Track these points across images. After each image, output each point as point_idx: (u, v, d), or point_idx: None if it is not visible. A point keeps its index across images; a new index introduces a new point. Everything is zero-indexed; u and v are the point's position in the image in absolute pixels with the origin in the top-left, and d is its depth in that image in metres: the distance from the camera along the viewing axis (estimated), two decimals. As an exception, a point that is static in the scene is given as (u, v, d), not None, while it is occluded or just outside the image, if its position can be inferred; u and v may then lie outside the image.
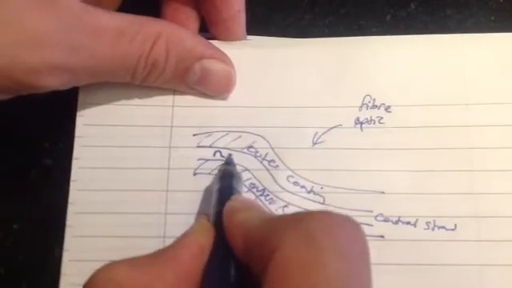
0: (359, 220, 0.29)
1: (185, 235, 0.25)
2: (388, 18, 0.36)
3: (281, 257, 0.20)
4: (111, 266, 0.23)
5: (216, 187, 0.28)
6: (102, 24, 0.28)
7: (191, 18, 0.33)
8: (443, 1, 0.36)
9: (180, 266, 0.23)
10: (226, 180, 0.28)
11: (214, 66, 0.31)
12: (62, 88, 0.28)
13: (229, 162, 0.30)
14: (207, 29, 0.33)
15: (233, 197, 0.26)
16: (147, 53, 0.29)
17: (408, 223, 0.30)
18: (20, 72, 0.26)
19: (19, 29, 0.26)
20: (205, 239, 0.25)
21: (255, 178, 0.31)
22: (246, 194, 0.31)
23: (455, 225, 0.30)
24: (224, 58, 0.32)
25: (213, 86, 0.32)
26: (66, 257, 0.30)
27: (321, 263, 0.20)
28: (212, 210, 0.27)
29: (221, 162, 0.31)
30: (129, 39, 0.28)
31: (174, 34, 0.30)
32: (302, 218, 0.22)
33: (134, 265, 0.23)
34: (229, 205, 0.25)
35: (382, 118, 0.32)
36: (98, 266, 0.29)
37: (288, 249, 0.20)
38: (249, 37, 0.34)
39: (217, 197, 0.27)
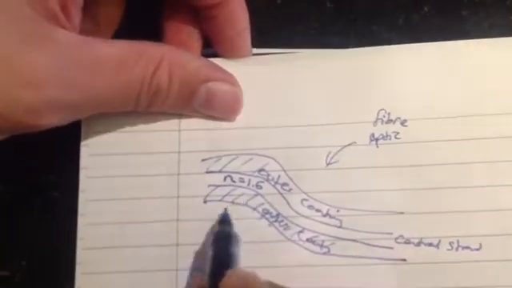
0: (379, 243, 0.29)
1: None
2: (400, 22, 0.34)
3: None
4: None
5: (210, 253, 0.26)
6: (102, 54, 0.27)
7: (193, 37, 0.32)
8: (458, 2, 0.34)
9: None
10: (222, 244, 0.27)
11: (220, 87, 0.30)
12: (62, 124, 0.27)
13: (224, 219, 0.28)
14: (210, 44, 0.32)
15: (229, 271, 0.25)
16: (150, 78, 0.28)
17: (430, 244, 0.29)
18: (18, 113, 0.25)
19: (14, 68, 0.24)
20: None
21: (268, 203, 0.30)
22: (259, 221, 0.29)
23: (480, 244, 0.28)
24: (230, 79, 0.30)
25: (220, 109, 0.30)
26: (77, 294, 0.29)
27: None
28: (206, 281, 0.25)
29: (231, 188, 0.30)
30: (130, 66, 0.27)
31: (177, 57, 0.29)
32: None
33: None
34: (225, 283, 0.24)
35: (398, 132, 0.30)
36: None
37: None
38: (254, 50, 0.32)
39: (211, 267, 0.26)
